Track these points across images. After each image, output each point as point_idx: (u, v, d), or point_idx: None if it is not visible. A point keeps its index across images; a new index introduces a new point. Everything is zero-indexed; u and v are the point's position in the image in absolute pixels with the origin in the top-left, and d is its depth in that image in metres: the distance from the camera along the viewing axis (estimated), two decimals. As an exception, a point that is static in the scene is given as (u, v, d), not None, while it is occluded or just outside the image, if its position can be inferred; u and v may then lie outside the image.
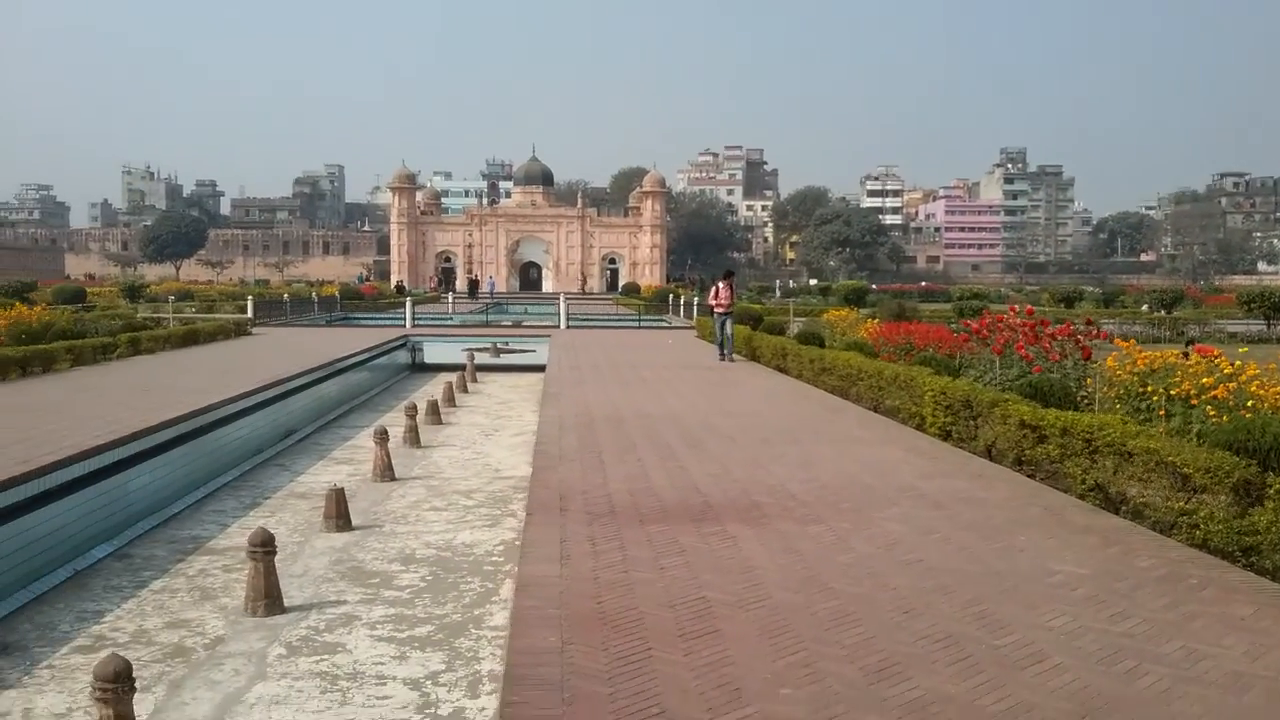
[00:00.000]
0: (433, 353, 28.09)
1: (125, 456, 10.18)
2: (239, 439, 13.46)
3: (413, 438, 14.69)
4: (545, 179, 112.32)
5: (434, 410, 17.18)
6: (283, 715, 5.69)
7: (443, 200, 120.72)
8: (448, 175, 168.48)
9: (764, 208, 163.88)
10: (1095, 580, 6.44)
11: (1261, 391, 9.28)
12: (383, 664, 6.46)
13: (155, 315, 35.83)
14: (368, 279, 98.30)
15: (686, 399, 15.85)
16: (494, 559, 8.89)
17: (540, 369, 22.79)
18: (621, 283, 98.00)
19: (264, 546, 7.41)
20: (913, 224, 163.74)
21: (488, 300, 64.35)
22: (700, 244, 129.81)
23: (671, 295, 54.48)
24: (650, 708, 4.47)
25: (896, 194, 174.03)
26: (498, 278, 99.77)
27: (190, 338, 25.18)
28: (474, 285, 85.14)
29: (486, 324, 38.40)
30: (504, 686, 4.75)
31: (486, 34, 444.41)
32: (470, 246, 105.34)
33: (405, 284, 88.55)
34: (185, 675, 6.32)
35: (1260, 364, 10.09)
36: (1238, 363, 9.94)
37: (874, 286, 73.43)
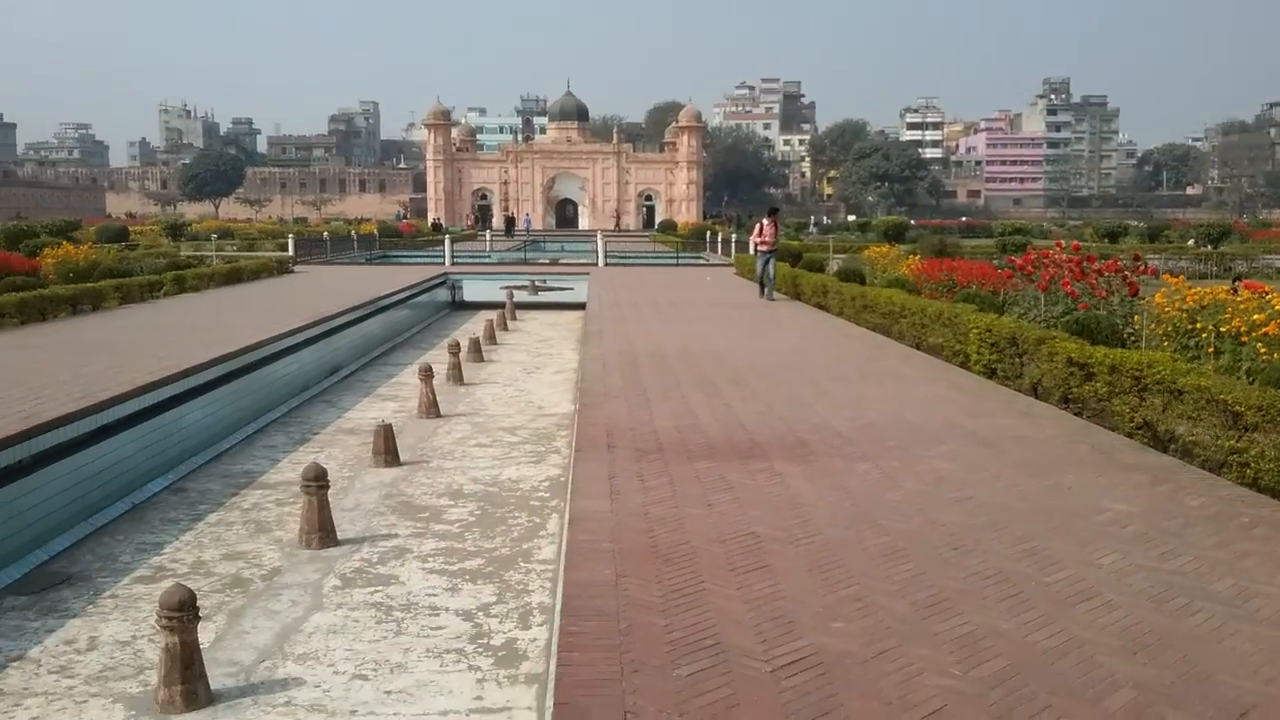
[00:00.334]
0: (472, 290, 28.19)
1: (179, 392, 10.34)
2: (287, 375, 13.63)
3: (456, 375, 14.82)
4: (580, 114, 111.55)
5: (475, 348, 17.30)
6: (340, 644, 5.83)
7: (478, 137, 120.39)
8: (482, 111, 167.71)
9: (801, 142, 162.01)
10: (1145, 518, 6.44)
11: (1315, 328, 9.14)
12: (435, 595, 6.59)
13: (198, 253, 36.17)
14: (405, 217, 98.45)
15: (729, 337, 15.84)
16: (540, 494, 9.00)
17: (578, 307, 22.85)
18: (658, 220, 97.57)
19: (317, 480, 7.54)
20: (953, 158, 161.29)
21: (525, 238, 64.23)
22: (737, 180, 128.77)
23: (709, 232, 54.20)
24: (705, 638, 4.55)
25: (937, 127, 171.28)
26: (534, 215, 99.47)
27: (234, 276, 25.44)
28: (510, 223, 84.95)
29: (525, 262, 38.41)
30: (561, 617, 4.84)
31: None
32: (506, 184, 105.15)
33: (442, 221, 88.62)
34: (244, 605, 6.48)
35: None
36: (1289, 299, 9.78)
37: (913, 222, 72.50)
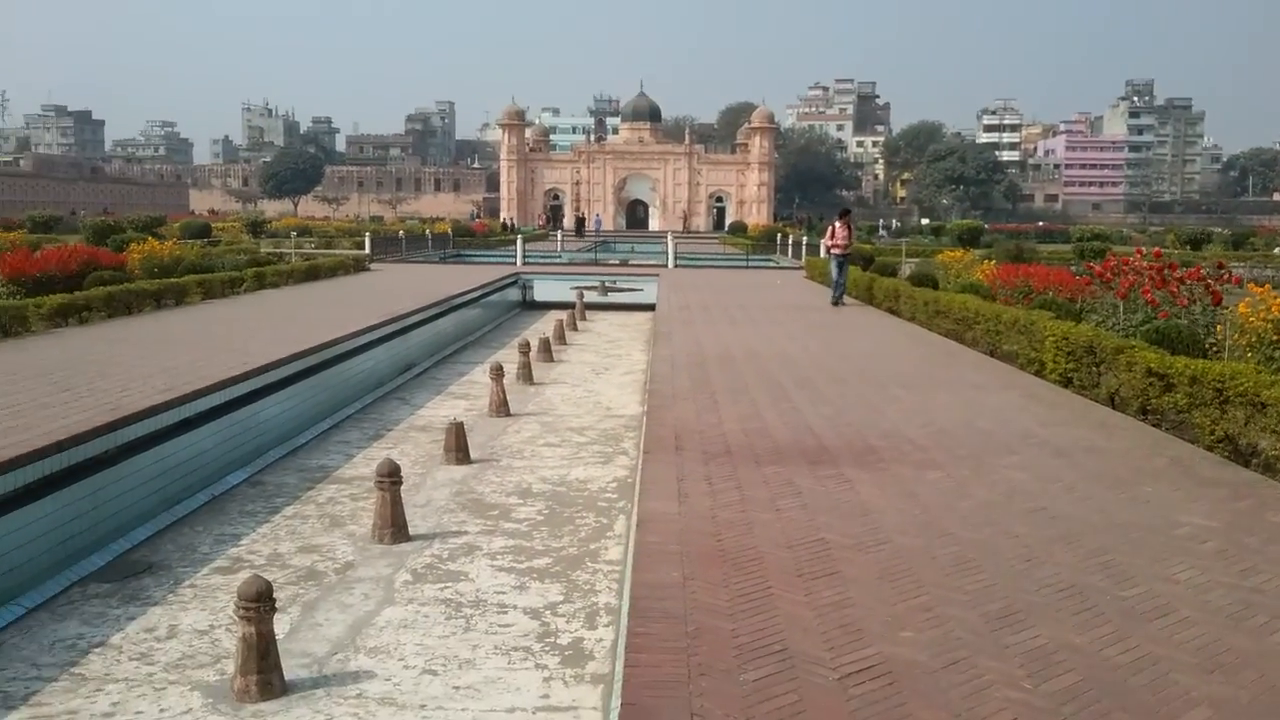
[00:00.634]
0: (543, 290, 28.41)
1: (257, 387, 10.58)
2: (362, 372, 13.87)
3: (526, 374, 14.95)
4: (653, 115, 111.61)
5: (545, 348, 17.43)
6: (411, 638, 5.93)
7: (551, 137, 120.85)
8: (555, 111, 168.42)
9: (875, 144, 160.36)
10: (1224, 534, 6.29)
11: None
12: (503, 593, 6.66)
13: (277, 250, 36.87)
14: (479, 216, 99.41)
15: (798, 340, 15.77)
16: (607, 495, 9.06)
17: (648, 308, 22.90)
18: (728, 221, 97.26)
19: (391, 476, 7.67)
20: (1030, 160, 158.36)
21: (595, 238, 64.52)
22: (808, 182, 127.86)
23: (779, 235, 53.93)
24: (772, 644, 4.55)
25: (1014, 129, 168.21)
26: (604, 215, 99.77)
27: (312, 273, 25.92)
28: (580, 223, 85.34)
29: (595, 262, 38.58)
30: (629, 618, 4.87)
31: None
32: (578, 184, 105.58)
33: (515, 221, 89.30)
34: (318, 598, 6.61)
35: None
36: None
37: (988, 226, 71.38)
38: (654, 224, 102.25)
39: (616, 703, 4.12)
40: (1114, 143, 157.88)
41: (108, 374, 10.40)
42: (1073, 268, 20.85)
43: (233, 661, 5.28)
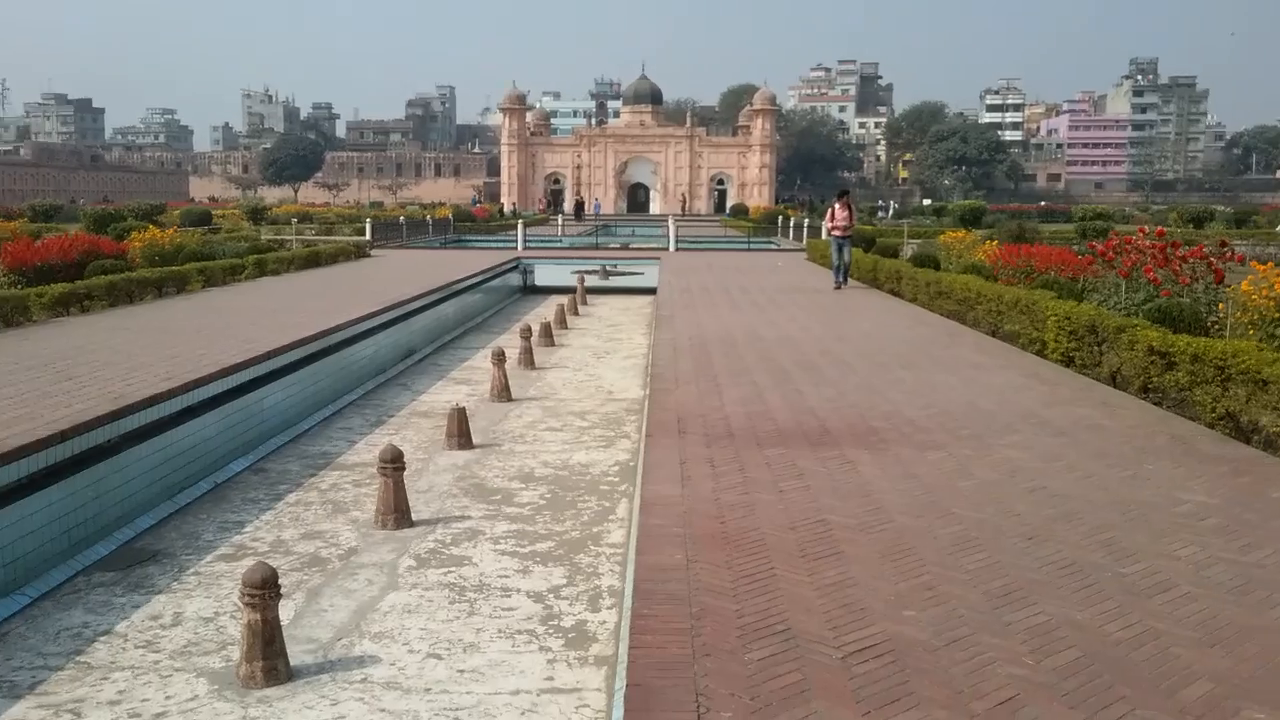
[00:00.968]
0: (543, 275, 28.41)
1: (259, 375, 10.59)
2: (364, 359, 13.88)
3: (527, 359, 14.96)
4: (654, 98, 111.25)
5: (546, 332, 17.43)
6: (415, 623, 5.95)
7: (552, 121, 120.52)
8: (556, 95, 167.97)
9: (877, 125, 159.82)
10: (1225, 510, 6.31)
11: None
12: (507, 577, 6.68)
13: (278, 237, 36.85)
14: (480, 201, 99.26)
15: (799, 323, 15.77)
16: (610, 479, 9.07)
17: (649, 292, 22.89)
18: (729, 204, 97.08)
19: (394, 462, 7.69)
20: (1033, 140, 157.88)
21: (595, 222, 64.40)
22: (810, 164, 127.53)
23: (781, 217, 53.82)
24: (776, 624, 4.57)
25: (1017, 109, 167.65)
26: (605, 199, 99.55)
27: (313, 259, 25.91)
28: (579, 207, 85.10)
29: (595, 246, 38.53)
30: (633, 600, 4.89)
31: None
32: (579, 168, 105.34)
33: (516, 206, 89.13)
34: (322, 584, 6.64)
35: None
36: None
37: (990, 206, 71.17)
38: (655, 207, 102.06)
39: (621, 683, 4.14)
40: (1117, 122, 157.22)
41: (110, 363, 10.41)
42: (1075, 247, 20.81)
43: (238, 648, 5.31)
